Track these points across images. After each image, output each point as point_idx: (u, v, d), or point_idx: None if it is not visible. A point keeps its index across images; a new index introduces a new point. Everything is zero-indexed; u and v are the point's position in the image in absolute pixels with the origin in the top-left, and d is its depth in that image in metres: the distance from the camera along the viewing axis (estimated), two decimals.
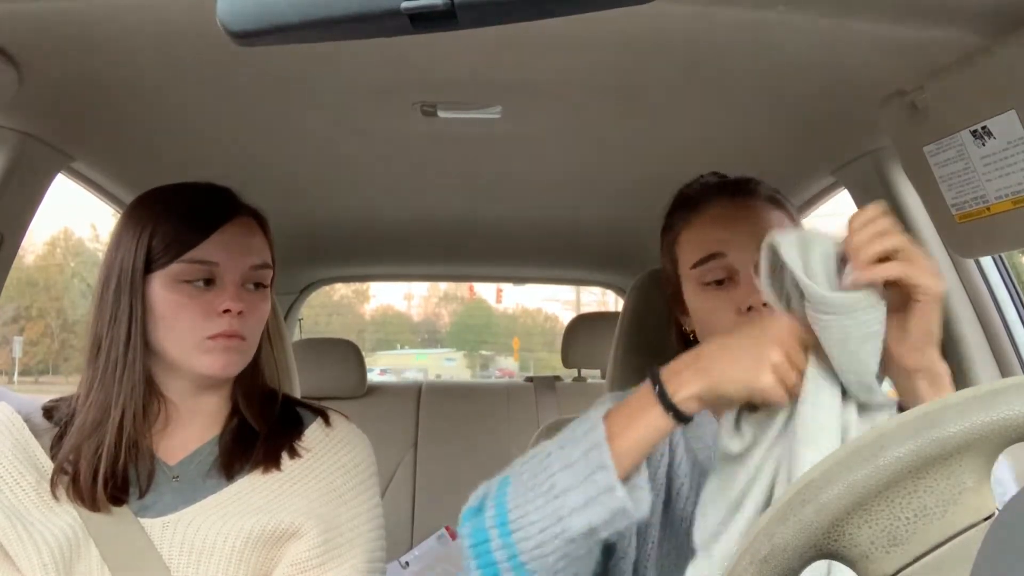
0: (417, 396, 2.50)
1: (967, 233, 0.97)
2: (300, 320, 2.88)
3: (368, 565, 0.98)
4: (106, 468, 0.91)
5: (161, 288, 0.95)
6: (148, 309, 0.95)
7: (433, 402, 2.49)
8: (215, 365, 0.94)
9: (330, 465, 1.01)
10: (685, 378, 0.75)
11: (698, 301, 0.95)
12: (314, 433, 1.03)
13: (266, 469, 0.98)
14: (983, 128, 0.86)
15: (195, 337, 0.94)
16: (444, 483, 2.36)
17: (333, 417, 1.07)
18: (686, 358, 0.77)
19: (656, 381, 0.76)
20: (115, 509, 0.92)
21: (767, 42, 0.93)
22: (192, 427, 1.00)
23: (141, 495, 0.94)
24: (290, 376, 1.26)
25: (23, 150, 1.15)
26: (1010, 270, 1.30)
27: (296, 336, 2.82)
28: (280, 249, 2.27)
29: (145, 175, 1.48)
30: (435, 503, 2.34)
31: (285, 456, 0.99)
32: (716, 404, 0.76)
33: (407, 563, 2.22)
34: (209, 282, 0.96)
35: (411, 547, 2.27)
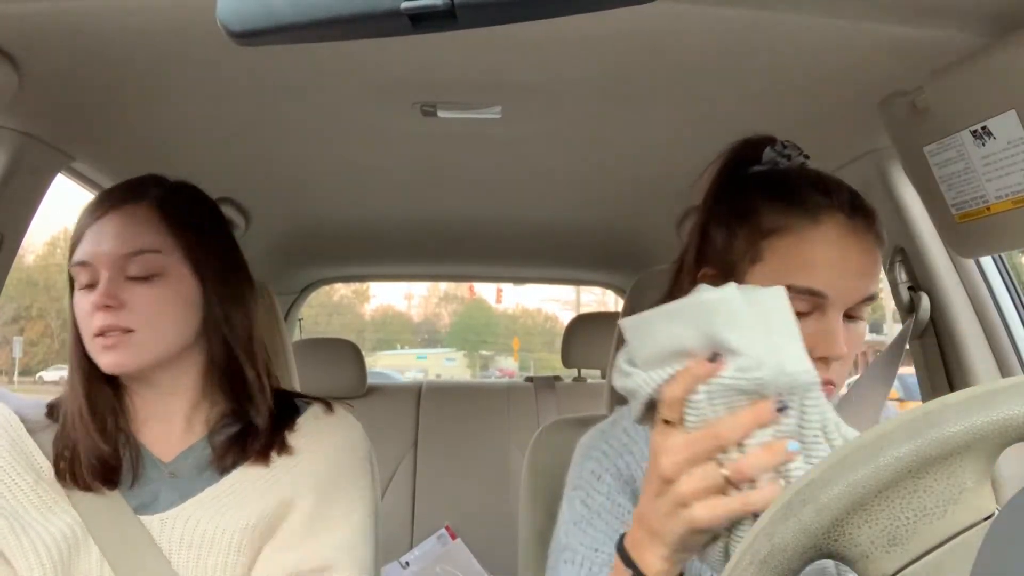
0: (417, 396, 2.50)
1: (967, 233, 0.97)
2: (300, 320, 2.88)
3: (359, 550, 0.99)
4: (90, 455, 0.94)
5: (74, 294, 0.98)
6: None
7: (433, 402, 2.49)
8: (106, 363, 0.95)
9: (322, 453, 1.01)
10: (645, 548, 0.67)
11: None
12: (307, 422, 1.03)
13: (257, 460, 0.98)
14: (983, 128, 0.86)
15: (88, 338, 0.96)
16: (444, 483, 2.36)
17: (332, 405, 1.07)
18: (637, 523, 0.69)
19: (629, 563, 0.69)
20: (114, 505, 0.93)
21: (767, 42, 0.93)
22: (181, 423, 1.00)
23: (132, 484, 0.96)
24: (290, 376, 1.26)
25: (23, 150, 1.15)
26: (1010, 270, 1.30)
27: (296, 336, 2.82)
28: (280, 249, 2.27)
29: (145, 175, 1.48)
30: (435, 503, 2.34)
31: (277, 446, 1.00)
32: (693, 553, 0.67)
33: (407, 563, 2.22)
34: (94, 283, 0.96)
35: (411, 547, 2.27)
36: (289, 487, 0.97)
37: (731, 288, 0.61)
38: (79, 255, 0.97)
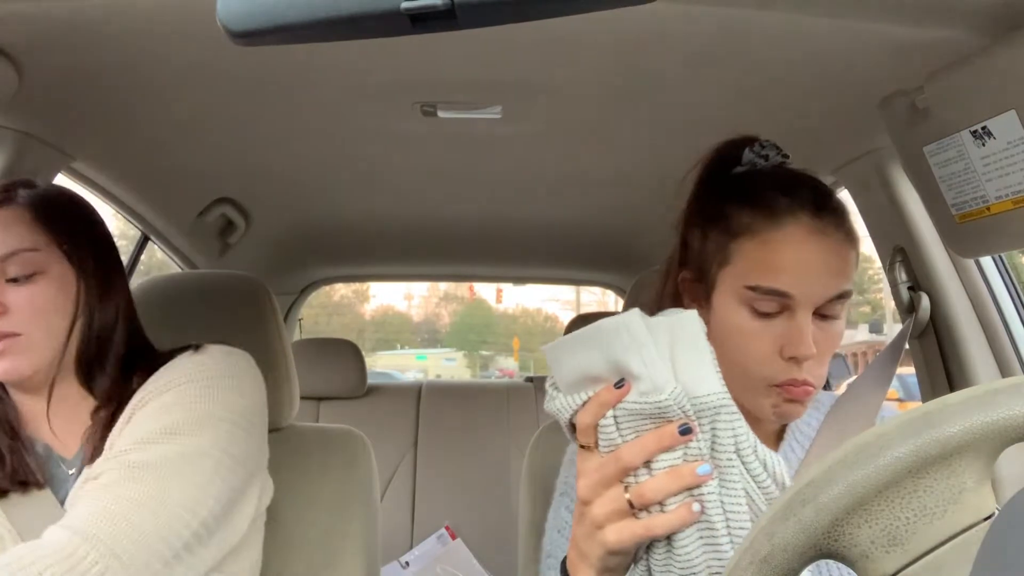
0: (417, 396, 2.50)
1: (967, 233, 0.97)
2: (300, 320, 2.88)
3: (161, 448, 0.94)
4: None
5: None
6: None
7: (433, 402, 2.49)
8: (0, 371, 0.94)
9: (166, 377, 0.98)
10: (577, 569, 0.68)
11: (735, 317, 0.84)
12: (174, 363, 1.01)
13: (111, 426, 0.97)
14: (983, 128, 0.86)
15: None
16: (444, 483, 2.36)
17: (210, 347, 1.04)
18: (571, 544, 0.69)
19: None
20: (42, 503, 0.93)
21: (767, 42, 0.93)
22: (74, 419, 1.00)
23: (41, 485, 0.95)
24: (290, 376, 1.26)
25: (23, 150, 1.15)
26: (1010, 270, 1.30)
27: (296, 336, 2.82)
28: (280, 249, 2.27)
29: (145, 175, 1.48)
30: (435, 503, 2.34)
31: (123, 398, 0.98)
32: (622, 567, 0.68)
33: (407, 563, 2.22)
34: None
35: (411, 547, 2.27)
36: (142, 426, 0.95)
37: (633, 313, 0.62)
38: None
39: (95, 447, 0.96)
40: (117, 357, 1.01)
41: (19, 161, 1.15)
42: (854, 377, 1.07)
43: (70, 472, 0.98)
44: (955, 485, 0.41)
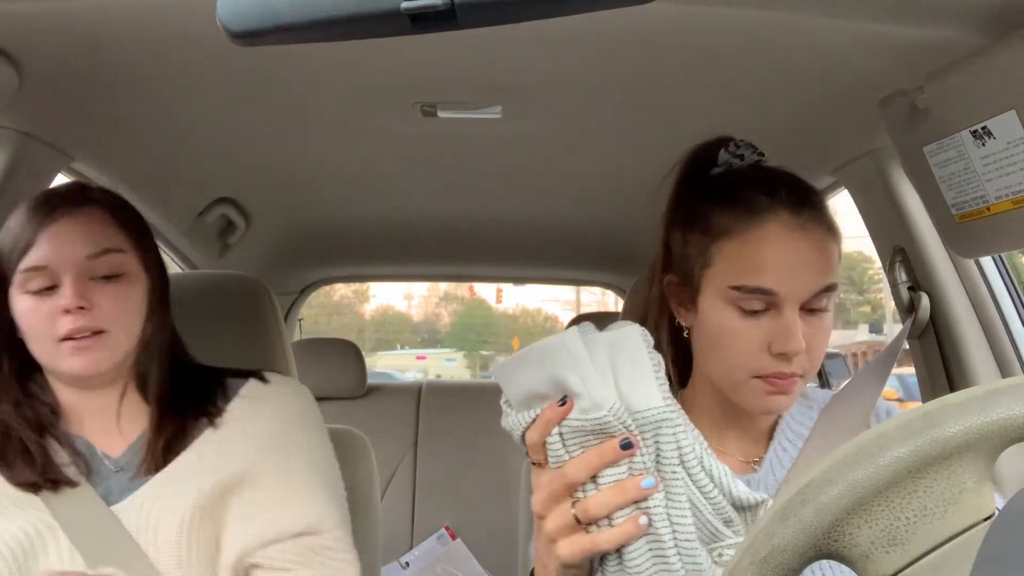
0: (417, 396, 2.50)
1: (967, 233, 0.97)
2: (300, 320, 2.88)
3: (330, 505, 1.02)
4: (25, 466, 0.95)
5: (16, 299, 0.96)
6: (17, 319, 0.97)
7: (433, 402, 2.49)
8: (75, 366, 0.95)
9: (259, 421, 1.03)
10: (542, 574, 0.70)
11: (722, 318, 0.84)
12: (241, 397, 1.05)
13: (189, 443, 1.00)
14: (983, 128, 0.85)
15: (50, 342, 0.95)
16: (444, 483, 2.36)
17: (269, 375, 1.09)
18: (536, 556, 0.71)
19: None
20: (82, 496, 0.95)
21: (767, 42, 0.93)
22: (122, 419, 1.01)
23: (74, 483, 0.96)
24: (290, 376, 1.26)
25: (23, 150, 1.15)
26: (1010, 270, 1.30)
27: (296, 336, 2.82)
28: (280, 249, 2.27)
29: (145, 175, 1.48)
30: (435, 503, 2.34)
31: (209, 426, 1.01)
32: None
33: (407, 563, 2.22)
34: (52, 287, 0.95)
35: (411, 547, 2.27)
36: (230, 462, 0.99)
37: (572, 331, 0.63)
38: (34, 260, 0.95)
39: (157, 457, 0.98)
40: (169, 362, 1.04)
41: (19, 161, 1.15)
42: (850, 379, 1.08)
43: (115, 470, 0.99)
44: (955, 485, 0.41)
